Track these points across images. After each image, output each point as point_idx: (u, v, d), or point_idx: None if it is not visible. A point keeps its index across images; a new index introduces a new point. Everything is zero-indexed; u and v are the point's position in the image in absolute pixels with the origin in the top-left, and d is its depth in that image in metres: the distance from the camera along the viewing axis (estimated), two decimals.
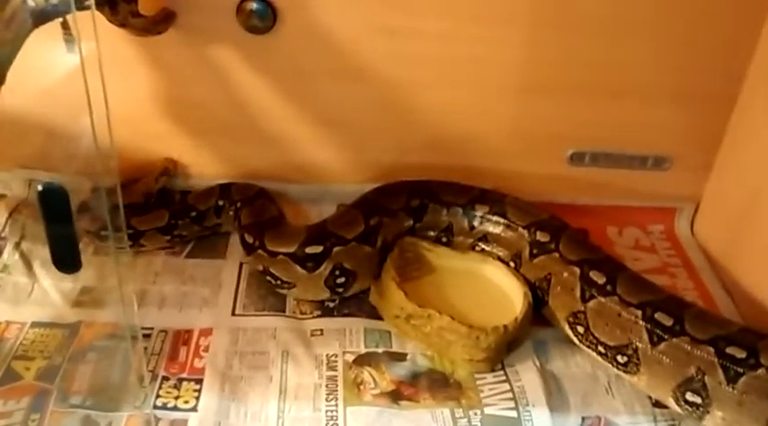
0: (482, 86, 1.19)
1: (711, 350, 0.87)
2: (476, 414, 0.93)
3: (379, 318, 1.08)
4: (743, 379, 0.85)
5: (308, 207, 1.31)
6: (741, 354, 0.85)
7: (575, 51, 1.16)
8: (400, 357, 1.02)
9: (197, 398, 0.94)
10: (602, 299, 0.97)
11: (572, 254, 1.03)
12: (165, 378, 0.97)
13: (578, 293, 1.00)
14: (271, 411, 0.93)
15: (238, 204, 1.19)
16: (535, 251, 1.08)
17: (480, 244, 1.16)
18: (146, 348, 1.01)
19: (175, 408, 0.92)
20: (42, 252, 1.11)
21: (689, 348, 0.88)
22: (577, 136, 1.25)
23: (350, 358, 1.01)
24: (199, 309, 1.09)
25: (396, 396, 0.95)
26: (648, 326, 0.92)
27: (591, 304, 0.98)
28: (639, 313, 0.93)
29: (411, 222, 1.15)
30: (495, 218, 1.14)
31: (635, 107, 1.21)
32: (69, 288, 1.09)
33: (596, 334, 0.98)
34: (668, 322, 0.91)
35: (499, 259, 1.13)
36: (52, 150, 0.98)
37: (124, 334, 0.89)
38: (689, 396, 0.89)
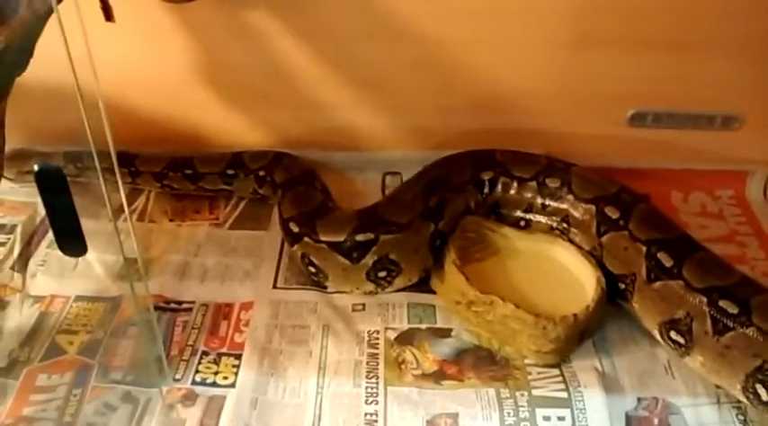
0: (529, 41, 1.12)
1: (704, 299, 0.87)
2: (522, 396, 0.88)
3: (423, 292, 1.04)
4: (730, 334, 0.84)
5: (353, 175, 1.27)
6: (733, 309, 0.84)
7: None
8: (444, 333, 0.98)
9: (236, 374, 0.92)
10: (614, 234, 0.99)
11: (586, 193, 1.04)
12: (205, 353, 0.96)
13: (594, 230, 1.01)
14: (310, 386, 0.91)
15: (260, 172, 1.18)
16: (547, 199, 1.07)
17: (496, 210, 1.11)
18: (186, 322, 1.00)
19: (214, 384, 0.91)
20: (87, 226, 1.11)
21: (682, 292, 0.89)
22: (638, 94, 1.17)
23: (392, 335, 0.97)
24: (240, 282, 1.07)
25: (438, 377, 0.92)
26: (649, 263, 0.93)
27: (604, 239, 1.00)
28: (644, 249, 0.94)
29: (432, 226, 1.02)
30: (502, 180, 1.09)
31: (701, 61, 1.11)
32: (113, 261, 1.09)
33: (606, 264, 1.00)
34: (668, 263, 0.91)
35: (521, 221, 1.10)
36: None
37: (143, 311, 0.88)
38: (673, 334, 0.91)
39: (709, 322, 0.85)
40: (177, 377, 0.92)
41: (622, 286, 0.98)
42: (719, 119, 1.18)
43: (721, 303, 0.85)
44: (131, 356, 0.95)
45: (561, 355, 0.93)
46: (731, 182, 1.24)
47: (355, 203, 1.20)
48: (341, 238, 0.99)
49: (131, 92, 1.20)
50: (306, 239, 1.02)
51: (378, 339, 0.97)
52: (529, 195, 1.08)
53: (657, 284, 0.92)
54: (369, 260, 0.98)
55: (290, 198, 1.09)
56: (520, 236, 1.07)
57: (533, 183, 1.08)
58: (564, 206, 1.06)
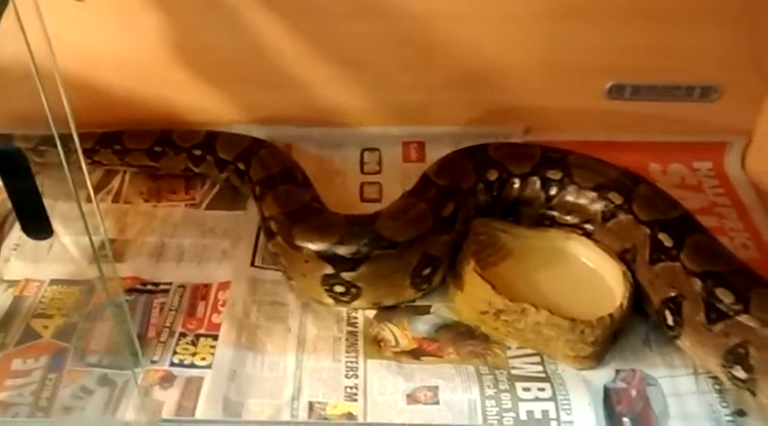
0: (509, 14, 1.10)
1: (647, 231, 0.93)
2: (502, 373, 0.89)
3: None
4: (661, 264, 0.91)
5: (331, 151, 1.26)
6: (668, 242, 0.91)
7: None
8: (423, 310, 0.97)
9: (213, 354, 0.92)
10: (563, 192, 1.03)
11: (523, 168, 1.05)
12: (183, 335, 0.95)
13: (543, 198, 1.05)
14: (289, 361, 0.91)
15: (195, 151, 1.16)
16: (495, 190, 1.05)
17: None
18: (163, 303, 0.99)
19: (192, 365, 0.90)
20: (62, 209, 1.10)
21: (630, 226, 0.96)
22: (616, 66, 1.16)
23: (370, 313, 0.97)
24: (218, 262, 1.06)
25: (417, 354, 0.92)
26: (601, 205, 1.00)
27: (554, 202, 1.04)
28: (595, 195, 1.00)
29: (330, 270, 0.95)
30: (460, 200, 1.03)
31: (678, 31, 1.10)
32: (88, 243, 1.07)
33: (566, 219, 1.04)
34: (619, 201, 0.98)
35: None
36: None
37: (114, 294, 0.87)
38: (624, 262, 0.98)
39: (647, 251, 0.92)
40: (155, 358, 0.91)
41: (581, 231, 1.02)
42: (698, 90, 1.17)
43: (660, 235, 0.91)
44: (107, 339, 0.94)
45: (598, 358, 0.89)
46: (709, 154, 1.23)
47: (333, 180, 1.20)
48: (266, 215, 1.01)
49: (103, 71, 1.18)
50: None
51: (356, 317, 0.97)
52: (482, 197, 1.04)
53: (611, 222, 0.98)
54: (271, 247, 1.01)
55: (257, 163, 1.10)
56: (532, 235, 1.03)
57: (481, 186, 1.03)
58: (509, 191, 1.04)
